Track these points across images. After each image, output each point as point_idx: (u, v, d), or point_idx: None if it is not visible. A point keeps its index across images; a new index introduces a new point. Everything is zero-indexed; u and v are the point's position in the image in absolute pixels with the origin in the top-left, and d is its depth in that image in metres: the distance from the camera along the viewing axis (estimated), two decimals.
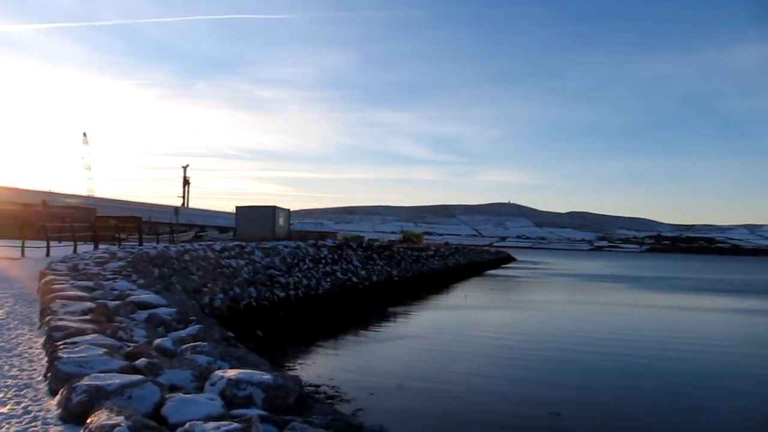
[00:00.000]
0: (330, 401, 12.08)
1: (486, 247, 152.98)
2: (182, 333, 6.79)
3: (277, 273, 26.80)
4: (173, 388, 4.51)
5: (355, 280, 34.53)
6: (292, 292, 25.81)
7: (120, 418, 3.33)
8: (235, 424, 3.46)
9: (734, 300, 46.96)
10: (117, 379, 4.26)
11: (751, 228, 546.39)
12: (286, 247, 31.62)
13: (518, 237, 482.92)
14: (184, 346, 5.83)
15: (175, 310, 8.53)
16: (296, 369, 16.28)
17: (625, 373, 17.66)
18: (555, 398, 14.10)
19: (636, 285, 61.94)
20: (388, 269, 43.11)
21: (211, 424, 3.47)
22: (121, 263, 15.92)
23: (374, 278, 37.75)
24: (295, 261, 30.31)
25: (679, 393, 15.58)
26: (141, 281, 13.31)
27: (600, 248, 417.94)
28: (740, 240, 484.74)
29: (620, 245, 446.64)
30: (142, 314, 8.16)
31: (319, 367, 16.89)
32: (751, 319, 34.07)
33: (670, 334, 25.93)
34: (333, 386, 14.25)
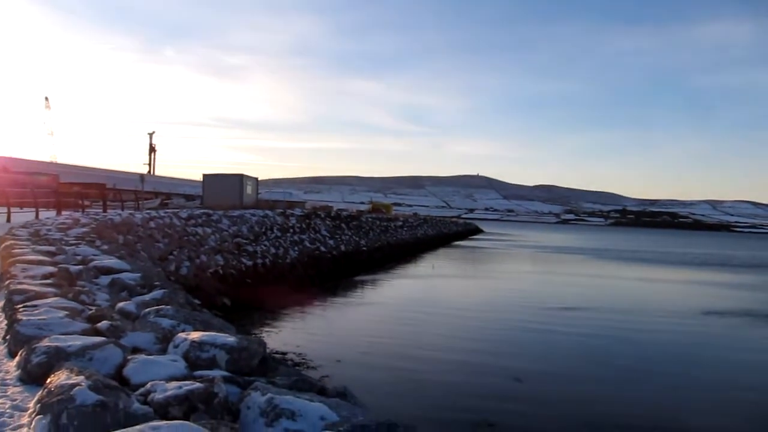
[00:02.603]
0: (296, 368, 12.14)
1: (454, 219, 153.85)
2: (146, 297, 6.73)
3: (245, 241, 26.62)
4: (136, 351, 4.48)
5: (323, 249, 34.48)
6: (259, 261, 25.69)
7: (80, 378, 3.29)
8: (197, 384, 3.45)
9: (697, 273, 48.17)
10: (78, 341, 4.20)
11: (713, 203, 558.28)
12: (253, 215, 31.37)
13: (486, 209, 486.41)
14: (147, 310, 5.78)
15: (139, 275, 8.44)
16: (263, 336, 16.28)
17: (589, 342, 18.03)
18: (517, 365, 14.37)
19: (602, 257, 63.08)
20: (357, 239, 43.12)
21: (173, 384, 3.46)
22: (84, 229, 15.66)
23: (342, 248, 37.72)
24: (263, 230, 30.13)
25: (640, 360, 16.01)
26: (105, 247, 13.12)
27: (566, 221, 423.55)
28: (702, 215, 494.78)
29: (586, 219, 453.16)
30: (105, 279, 8.06)
31: (285, 335, 16.94)
32: (713, 290, 35.01)
33: (634, 305, 26.53)
34: (299, 354, 14.32)
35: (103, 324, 5.00)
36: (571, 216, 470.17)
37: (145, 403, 3.38)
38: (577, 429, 10.20)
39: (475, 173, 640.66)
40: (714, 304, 27.75)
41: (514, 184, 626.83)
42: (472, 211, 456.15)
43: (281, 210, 37.94)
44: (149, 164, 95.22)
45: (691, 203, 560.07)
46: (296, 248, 31.18)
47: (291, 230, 33.46)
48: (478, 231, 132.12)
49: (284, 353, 14.08)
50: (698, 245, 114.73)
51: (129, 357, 4.14)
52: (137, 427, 2.77)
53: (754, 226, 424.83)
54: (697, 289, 35.86)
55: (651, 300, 29.26)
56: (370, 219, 54.33)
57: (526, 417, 10.77)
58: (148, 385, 3.55)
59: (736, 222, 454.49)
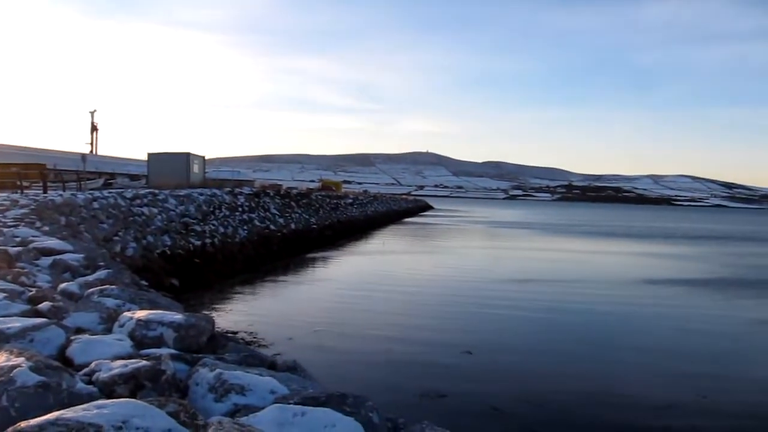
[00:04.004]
0: (248, 346, 12.07)
1: (404, 196, 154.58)
2: (90, 278, 6.57)
3: (192, 221, 26.18)
4: (79, 331, 4.38)
5: (273, 227, 34.22)
6: (208, 240, 25.33)
7: (21, 359, 3.20)
8: (144, 362, 3.40)
9: (640, 245, 49.67)
10: (18, 323, 4.08)
11: (655, 178, 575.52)
12: (201, 194, 30.85)
13: (436, 186, 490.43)
14: (91, 290, 5.64)
15: (82, 256, 8.23)
16: (214, 316, 16.08)
17: (536, 314, 18.39)
18: (468, 338, 14.57)
19: (548, 231, 64.40)
20: (307, 217, 42.92)
21: (119, 362, 3.40)
22: (23, 211, 15.14)
23: (292, 226, 37.52)
24: (211, 209, 29.68)
25: (586, 330, 16.47)
26: (46, 228, 12.73)
27: (514, 197, 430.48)
28: (645, 189, 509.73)
29: (533, 194, 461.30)
30: (47, 260, 7.82)
31: (236, 314, 16.80)
32: (655, 261, 36.22)
33: (580, 276, 27.17)
34: (250, 332, 14.24)
35: (45, 305, 4.86)
36: (518, 192, 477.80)
37: (90, 383, 3.32)
38: (526, 399, 10.45)
39: (424, 150, 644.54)
40: (656, 274, 28.73)
41: (463, 161, 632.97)
42: (422, 188, 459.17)
43: (229, 189, 37.42)
44: (91, 143, 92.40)
45: (634, 178, 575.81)
46: (245, 227, 30.86)
47: (240, 209, 33.07)
48: (429, 207, 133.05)
49: (235, 332, 13.97)
50: (641, 218, 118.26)
51: (72, 337, 4.05)
52: (82, 406, 2.71)
53: (693, 200, 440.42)
54: (641, 260, 37.02)
55: (596, 271, 30.05)
56: (320, 197, 54.08)
57: (477, 388, 10.96)
58: (93, 365, 3.48)
59: (676, 196, 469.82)
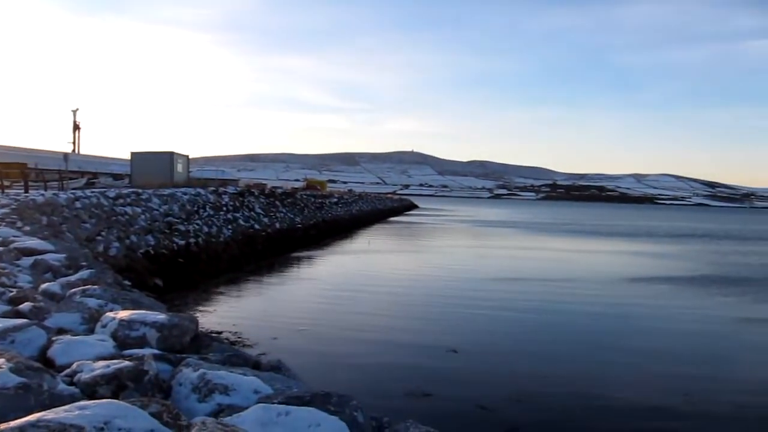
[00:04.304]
0: (232, 346, 12.01)
1: (389, 195, 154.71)
2: (72, 278, 6.51)
3: (176, 221, 26.01)
4: (61, 332, 4.33)
5: (257, 227, 34.08)
6: (192, 240, 25.18)
7: (1, 360, 3.17)
8: (126, 362, 3.37)
9: (624, 243, 50.04)
10: None
11: (638, 177, 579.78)
12: (185, 194, 30.66)
13: (421, 185, 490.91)
14: (74, 290, 5.59)
15: (64, 256, 8.14)
16: (198, 316, 16.00)
17: (522, 313, 18.48)
18: (452, 338, 14.59)
19: (533, 230, 64.67)
20: (292, 216, 42.80)
21: (100, 363, 3.37)
22: (4, 210, 14.97)
23: (277, 225, 37.40)
24: (195, 208, 29.51)
25: (571, 329, 16.57)
26: (27, 228, 12.59)
27: (499, 196, 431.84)
28: (628, 188, 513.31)
29: (518, 193, 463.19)
30: (28, 260, 7.73)
31: (221, 314, 16.72)
32: (639, 259, 36.50)
33: (565, 275, 27.30)
34: (235, 332, 14.17)
35: (26, 306, 4.81)
36: (503, 191, 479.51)
37: (71, 383, 3.29)
38: (511, 398, 10.48)
39: (409, 149, 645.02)
40: (641, 273, 28.94)
41: (448, 160, 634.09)
42: (407, 187, 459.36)
43: (214, 188, 37.23)
44: (74, 143, 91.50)
45: (618, 177, 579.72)
46: (230, 226, 30.71)
47: (224, 208, 32.91)
48: (414, 207, 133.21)
49: (219, 332, 13.90)
50: (624, 217, 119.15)
51: (54, 338, 4.01)
52: (64, 407, 2.69)
53: (676, 199, 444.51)
54: (625, 259, 37.33)
55: (582, 270, 30.19)
56: (304, 196, 53.96)
57: (462, 387, 10.99)
58: (75, 366, 3.44)
59: (659, 194, 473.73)
